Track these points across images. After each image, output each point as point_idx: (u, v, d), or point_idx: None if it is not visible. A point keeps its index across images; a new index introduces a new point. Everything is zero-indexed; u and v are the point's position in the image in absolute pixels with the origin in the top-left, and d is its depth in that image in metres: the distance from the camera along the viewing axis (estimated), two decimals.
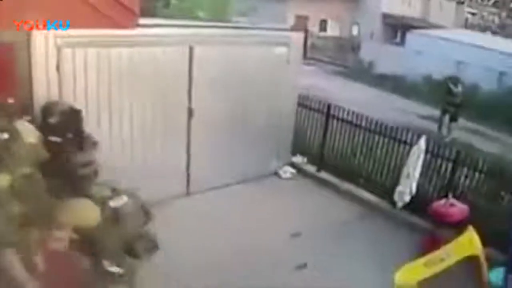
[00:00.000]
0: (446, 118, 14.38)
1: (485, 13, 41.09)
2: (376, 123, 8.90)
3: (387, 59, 22.57)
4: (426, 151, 8.03)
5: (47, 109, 5.99)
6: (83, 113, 6.09)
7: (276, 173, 9.41)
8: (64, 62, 6.34)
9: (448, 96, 14.45)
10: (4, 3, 4.28)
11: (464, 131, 14.42)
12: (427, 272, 4.48)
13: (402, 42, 26.72)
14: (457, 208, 6.95)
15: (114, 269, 5.31)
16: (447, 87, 14.64)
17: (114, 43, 6.68)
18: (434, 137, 10.35)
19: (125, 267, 5.46)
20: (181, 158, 7.94)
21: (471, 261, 4.64)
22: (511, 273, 5.35)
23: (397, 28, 31.80)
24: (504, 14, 40.39)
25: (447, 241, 4.86)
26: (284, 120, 9.33)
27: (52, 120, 5.88)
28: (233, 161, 8.44)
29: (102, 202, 5.49)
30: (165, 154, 7.57)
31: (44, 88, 6.19)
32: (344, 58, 27.20)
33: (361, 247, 7.04)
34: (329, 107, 9.59)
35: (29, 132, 5.11)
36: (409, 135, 8.40)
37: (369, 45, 26.86)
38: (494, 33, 28.08)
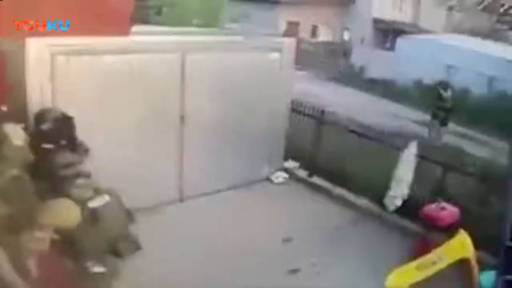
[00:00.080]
0: (437, 123, 14.47)
1: (475, 18, 41.37)
2: (368, 127, 8.96)
3: (378, 64, 22.68)
4: (417, 156, 8.10)
5: (40, 116, 6.03)
6: (76, 120, 6.12)
7: (268, 178, 9.39)
8: (58, 69, 6.37)
9: (438, 101, 14.53)
10: None
11: (454, 136, 14.50)
12: (419, 276, 4.50)
13: (392, 47, 26.85)
14: (448, 212, 6.98)
15: (96, 268, 5.33)
16: (437, 92, 14.74)
17: (107, 51, 6.71)
18: (425, 142, 10.43)
19: (107, 266, 5.49)
20: (173, 164, 7.94)
21: (462, 264, 4.69)
22: (502, 276, 5.40)
23: (388, 33, 31.90)
24: (494, 19, 40.68)
25: (438, 245, 4.89)
26: (277, 125, 9.35)
27: (45, 126, 5.91)
28: (226, 166, 8.46)
29: (81, 202, 5.51)
30: (157, 161, 7.57)
31: (37, 95, 6.21)
32: (336, 63, 27.27)
33: (353, 251, 7.05)
34: (322, 112, 9.62)
35: (16, 135, 5.14)
36: (401, 140, 8.47)
37: (360, 50, 26.97)
38: (484, 37, 28.25)
